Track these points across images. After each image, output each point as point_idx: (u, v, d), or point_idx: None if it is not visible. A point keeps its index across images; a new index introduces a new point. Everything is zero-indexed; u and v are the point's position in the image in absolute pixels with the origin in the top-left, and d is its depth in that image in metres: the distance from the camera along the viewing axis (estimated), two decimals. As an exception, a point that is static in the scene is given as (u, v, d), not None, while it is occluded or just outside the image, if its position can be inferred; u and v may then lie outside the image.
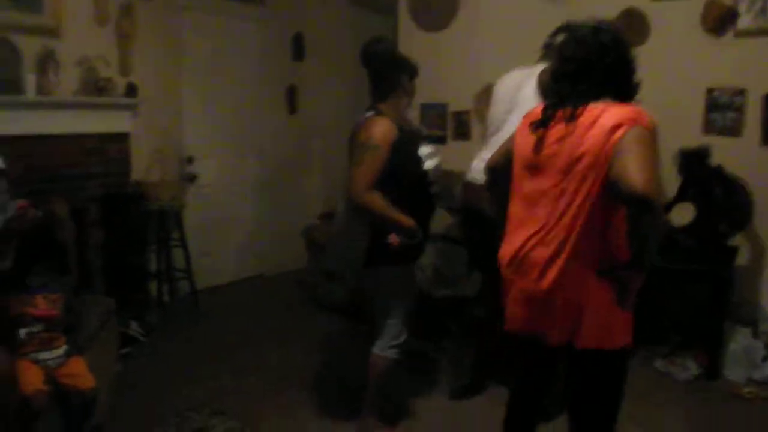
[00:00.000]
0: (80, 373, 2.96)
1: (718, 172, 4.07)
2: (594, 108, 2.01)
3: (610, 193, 1.94)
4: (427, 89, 5.50)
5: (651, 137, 1.94)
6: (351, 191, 2.72)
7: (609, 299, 2.05)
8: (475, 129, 5.34)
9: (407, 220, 2.79)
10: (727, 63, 4.30)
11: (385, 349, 2.97)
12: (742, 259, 4.23)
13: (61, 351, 3.00)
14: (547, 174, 2.09)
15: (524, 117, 2.28)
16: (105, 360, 3.38)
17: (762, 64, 4.19)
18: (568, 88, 2.08)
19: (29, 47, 4.11)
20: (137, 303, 4.69)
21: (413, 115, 5.60)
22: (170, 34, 5.15)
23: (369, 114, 2.89)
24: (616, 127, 1.92)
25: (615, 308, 2.07)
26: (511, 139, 2.34)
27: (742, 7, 4.21)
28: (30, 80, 4.08)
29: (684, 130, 4.36)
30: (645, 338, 4.24)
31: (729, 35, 4.29)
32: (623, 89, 2.10)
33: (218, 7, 5.52)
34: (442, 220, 4.45)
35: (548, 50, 3.42)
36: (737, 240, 4.18)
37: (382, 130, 2.78)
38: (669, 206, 4.18)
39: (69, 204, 3.93)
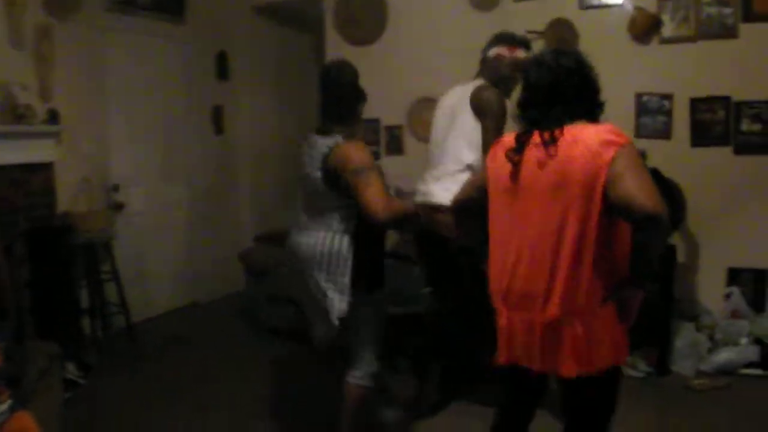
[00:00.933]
0: (27, 429, 2.73)
1: (655, 174, 4.21)
2: (571, 129, 2.03)
3: (615, 215, 1.95)
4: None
5: (638, 153, 1.98)
6: (375, 213, 2.58)
7: (611, 320, 2.07)
8: (409, 143, 5.35)
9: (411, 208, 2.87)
10: (654, 69, 4.49)
11: (363, 378, 2.89)
12: (679, 256, 4.41)
13: (5, 406, 2.75)
14: (530, 199, 2.08)
15: (494, 144, 2.29)
16: (50, 411, 3.14)
17: (686, 70, 4.41)
18: (537, 114, 2.11)
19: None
20: (71, 343, 4.39)
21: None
22: (92, 57, 4.89)
23: (336, 139, 2.77)
24: (603, 147, 1.93)
25: (616, 328, 2.09)
26: (483, 173, 2.34)
27: (665, 16, 4.41)
28: (-58, 111, 3.78)
29: (618, 136, 4.51)
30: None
31: (654, 42, 4.48)
32: (591, 109, 2.15)
33: (140, 26, 5.29)
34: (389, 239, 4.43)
35: (484, 64, 3.50)
36: (673, 240, 4.35)
37: (366, 152, 2.73)
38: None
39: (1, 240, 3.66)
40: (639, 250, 1.98)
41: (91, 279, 4.80)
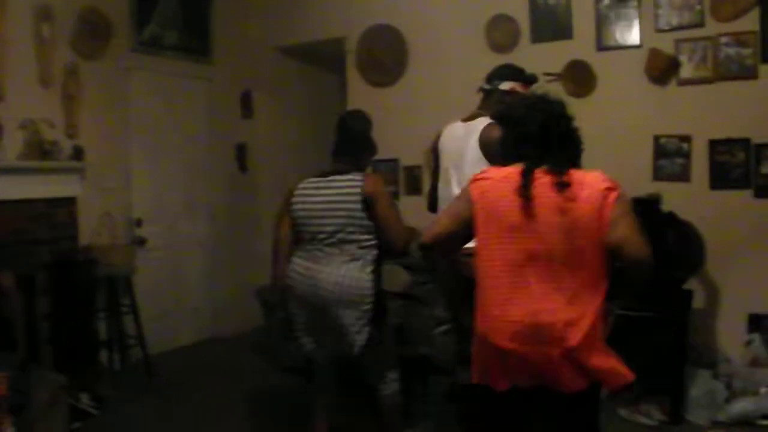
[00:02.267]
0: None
1: (670, 218, 4.15)
2: (575, 173, 2.12)
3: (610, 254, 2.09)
4: (377, 145, 5.55)
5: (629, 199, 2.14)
6: (404, 245, 3.03)
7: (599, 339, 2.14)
8: (427, 183, 5.34)
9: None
10: (672, 111, 4.45)
11: (390, 386, 3.20)
12: (697, 302, 4.31)
13: (8, 435, 2.84)
14: (541, 236, 2.10)
15: (494, 178, 2.24)
16: (55, 440, 3.21)
17: (705, 111, 4.36)
18: (533, 151, 2.17)
19: (-30, 112, 4.00)
20: (87, 374, 4.49)
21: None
22: (117, 95, 5.07)
23: (355, 175, 3.07)
24: (608, 191, 2.07)
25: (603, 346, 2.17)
26: (468, 207, 2.27)
27: (683, 57, 4.37)
28: (-29, 146, 3.95)
29: (634, 178, 4.45)
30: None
31: (672, 84, 4.44)
32: (574, 155, 2.24)
33: (165, 66, 5.47)
34: (396, 279, 4.41)
35: (490, 96, 3.47)
36: (691, 284, 4.25)
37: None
38: (624, 253, 4.22)
39: (15, 273, 3.76)
40: (619, 279, 2.12)
41: (110, 312, 4.90)
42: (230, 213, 6.11)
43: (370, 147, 3.28)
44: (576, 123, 2.25)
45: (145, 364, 4.95)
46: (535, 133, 2.18)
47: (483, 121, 3.31)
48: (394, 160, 5.52)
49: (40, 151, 4.40)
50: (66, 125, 4.65)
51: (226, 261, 6.04)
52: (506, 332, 2.15)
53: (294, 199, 3.17)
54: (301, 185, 3.18)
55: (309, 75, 6.69)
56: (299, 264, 3.13)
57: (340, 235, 3.02)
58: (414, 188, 5.46)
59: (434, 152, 3.50)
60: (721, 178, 4.33)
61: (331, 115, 6.26)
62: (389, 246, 2.96)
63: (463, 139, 3.37)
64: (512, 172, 2.17)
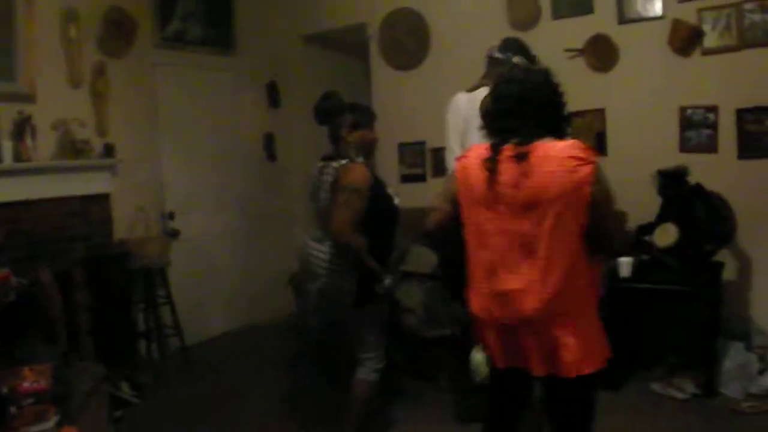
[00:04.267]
0: (72, 443, 2.91)
1: (698, 190, 4.10)
2: (542, 145, 2.10)
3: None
4: (403, 128, 5.58)
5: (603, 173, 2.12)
6: (334, 232, 3.00)
7: (591, 322, 2.18)
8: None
9: (377, 267, 3.08)
10: (697, 81, 4.39)
11: (370, 373, 3.24)
12: (729, 273, 4.26)
13: (51, 423, 2.94)
14: (504, 209, 2.14)
15: (472, 156, 2.29)
16: (97, 428, 3.32)
17: (731, 80, 4.29)
18: (508, 124, 2.17)
19: (4, 114, 4.11)
20: (127, 363, 4.63)
21: (392, 154, 5.66)
22: (144, 91, 5.17)
23: (341, 162, 3.13)
24: (577, 164, 2.03)
25: (596, 332, 2.20)
26: (452, 184, 2.38)
27: (707, 26, 4.30)
28: (6, 147, 4.06)
29: (661, 150, 4.43)
30: (641, 361, 4.25)
31: (697, 54, 4.37)
32: (558, 125, 2.22)
33: (190, 60, 5.55)
34: (426, 260, 4.44)
35: (496, 64, 3.49)
36: (722, 255, 4.20)
37: (362, 176, 3.08)
38: (651, 227, 4.19)
39: (53, 269, 3.89)
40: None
41: (147, 303, 5.03)
42: (260, 202, 6.19)
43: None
44: (561, 90, 2.23)
45: (183, 353, 5.08)
46: (510, 107, 2.18)
47: (484, 91, 3.35)
48: (421, 143, 5.54)
49: (72, 150, 4.51)
50: (96, 123, 4.76)
51: (257, 249, 6.13)
52: (481, 305, 2.26)
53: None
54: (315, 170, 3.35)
55: (333, 62, 6.71)
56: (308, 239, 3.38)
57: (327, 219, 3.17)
58: (440, 170, 5.45)
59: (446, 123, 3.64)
60: (749, 147, 4.25)
61: (358, 101, 6.32)
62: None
63: (466, 110, 3.48)
64: (487, 147, 2.21)
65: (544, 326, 2.12)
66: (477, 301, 2.27)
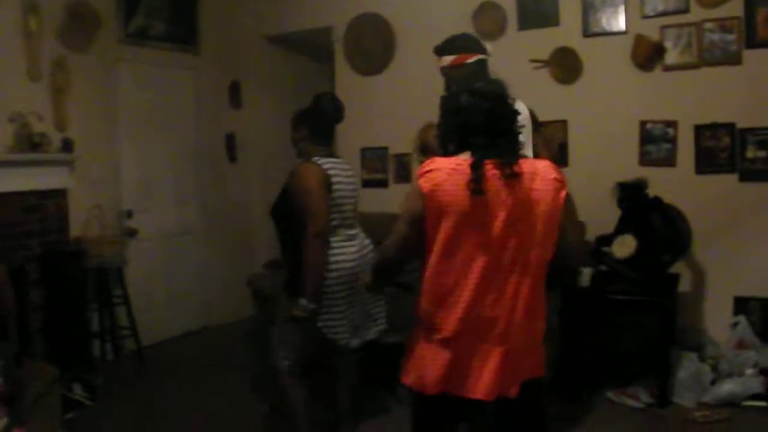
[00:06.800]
0: (23, 446, 2.83)
1: (657, 203, 4.19)
2: (525, 162, 2.03)
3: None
4: (366, 133, 5.58)
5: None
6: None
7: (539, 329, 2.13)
8: (416, 170, 5.36)
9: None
10: (657, 96, 4.48)
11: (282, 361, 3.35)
12: (684, 285, 4.36)
13: (1, 424, 2.85)
14: (491, 229, 1.99)
15: (443, 169, 2.03)
16: (48, 430, 3.24)
17: (690, 97, 4.39)
18: (480, 140, 2.02)
19: (-42, 106, 4.00)
20: (80, 364, 4.52)
21: (355, 159, 5.63)
22: (105, 87, 5.07)
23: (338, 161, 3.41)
24: (559, 184, 2.03)
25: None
26: (416, 203, 2.07)
27: (668, 43, 4.40)
28: (-40, 140, 3.96)
29: (621, 163, 4.51)
30: (597, 370, 4.31)
31: (658, 69, 4.47)
32: (517, 141, 2.10)
33: (153, 57, 5.47)
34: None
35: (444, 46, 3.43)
36: (678, 268, 4.30)
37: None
38: (610, 239, 4.27)
39: (7, 265, 3.78)
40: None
41: (102, 303, 4.92)
42: (220, 203, 6.13)
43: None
44: (518, 105, 2.16)
45: (138, 354, 4.98)
46: (481, 122, 2.03)
47: None
48: (384, 148, 5.54)
49: (29, 144, 4.40)
50: (55, 118, 4.65)
51: (216, 251, 6.06)
52: (454, 329, 2.05)
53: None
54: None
55: (297, 64, 6.69)
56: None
57: None
58: (403, 176, 5.47)
59: None
60: (706, 162, 4.36)
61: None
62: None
63: None
64: (462, 163, 2.01)
65: (521, 344, 2.05)
66: (449, 325, 2.05)
